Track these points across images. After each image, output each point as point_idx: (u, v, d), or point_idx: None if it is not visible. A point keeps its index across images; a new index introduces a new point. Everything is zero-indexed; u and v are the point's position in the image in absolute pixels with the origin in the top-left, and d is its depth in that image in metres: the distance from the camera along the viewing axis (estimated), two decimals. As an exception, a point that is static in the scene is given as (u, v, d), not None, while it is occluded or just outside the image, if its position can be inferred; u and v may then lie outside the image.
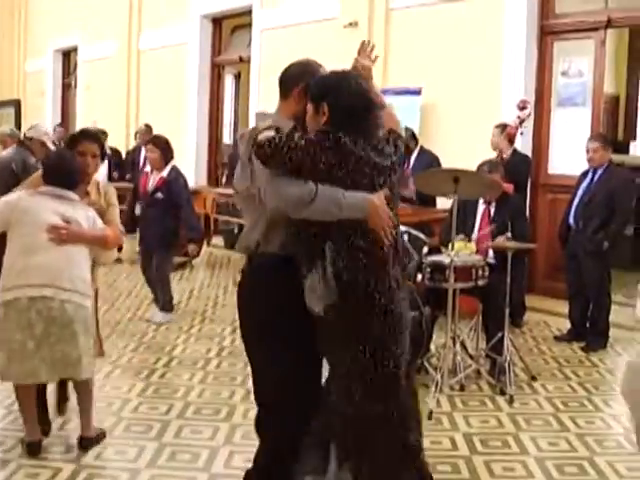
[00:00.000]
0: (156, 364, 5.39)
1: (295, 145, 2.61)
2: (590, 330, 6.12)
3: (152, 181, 6.50)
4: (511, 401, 4.68)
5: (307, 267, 2.71)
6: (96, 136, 4.32)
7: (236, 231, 9.57)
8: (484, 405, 4.67)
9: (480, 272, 4.91)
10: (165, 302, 6.66)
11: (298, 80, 2.88)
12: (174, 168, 6.48)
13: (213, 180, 11.72)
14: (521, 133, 6.76)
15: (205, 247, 9.54)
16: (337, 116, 2.72)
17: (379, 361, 2.72)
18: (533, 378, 5.13)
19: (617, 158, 7.16)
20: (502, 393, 4.80)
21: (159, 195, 6.41)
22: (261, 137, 2.66)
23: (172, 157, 6.51)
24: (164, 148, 6.43)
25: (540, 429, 4.27)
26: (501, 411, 4.54)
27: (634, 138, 10.63)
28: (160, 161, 6.40)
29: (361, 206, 2.68)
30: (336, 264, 2.67)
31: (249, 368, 3.01)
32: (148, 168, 6.76)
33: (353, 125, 2.71)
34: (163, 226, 6.41)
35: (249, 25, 11.19)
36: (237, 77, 12.72)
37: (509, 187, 5.72)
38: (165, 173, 6.41)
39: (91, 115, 13.50)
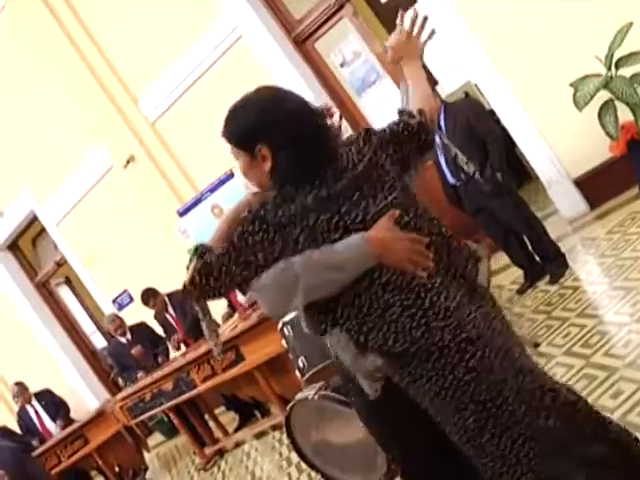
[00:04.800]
0: None
1: (212, 267, 1.99)
2: (544, 260, 5.50)
3: None
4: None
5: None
6: None
7: (165, 419, 8.53)
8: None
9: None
10: None
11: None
12: None
13: (111, 389, 10.61)
14: (345, 139, 6.18)
15: (147, 454, 8.48)
16: (283, 157, 2.03)
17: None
18: (536, 345, 4.41)
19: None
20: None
21: None
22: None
23: None
24: None
25: (600, 387, 3.46)
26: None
27: (436, 83, 10.37)
28: None
29: (363, 253, 1.95)
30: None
31: None
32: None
33: (305, 162, 2.02)
34: None
35: (44, 229, 10.35)
36: (68, 282, 11.75)
37: None
38: None
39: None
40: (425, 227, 2.09)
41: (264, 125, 2.05)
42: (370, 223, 1.99)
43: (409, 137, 2.22)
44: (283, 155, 2.03)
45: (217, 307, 7.42)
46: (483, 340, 2.01)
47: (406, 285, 2.00)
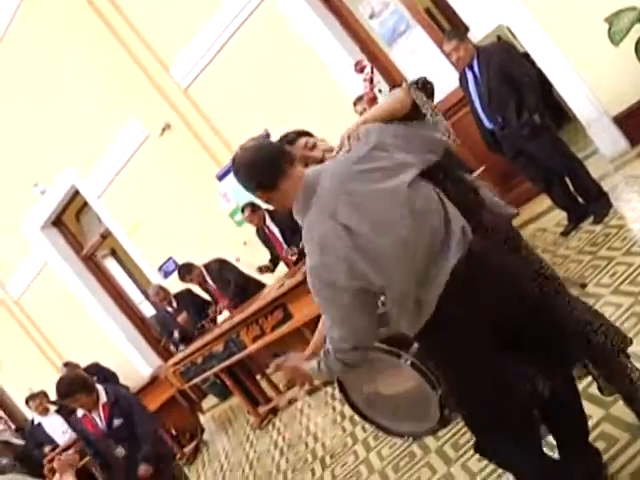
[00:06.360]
0: None
1: None
2: (587, 201, 5.44)
3: (98, 417, 5.02)
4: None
5: None
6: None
7: (218, 381, 8.66)
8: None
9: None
10: None
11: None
12: (107, 386, 5.26)
13: (163, 355, 10.79)
14: (379, 90, 6.09)
15: (202, 417, 8.65)
16: None
17: None
18: (583, 286, 4.37)
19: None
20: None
21: (117, 422, 4.99)
22: None
23: (93, 384, 5.21)
24: (81, 386, 4.95)
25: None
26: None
27: (467, 29, 10.13)
28: (89, 398, 4.96)
29: None
30: None
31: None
32: (80, 412, 5.11)
33: None
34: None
35: (86, 203, 10.48)
36: (114, 253, 11.93)
37: None
38: (104, 397, 5.13)
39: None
40: None
41: None
42: None
43: None
44: None
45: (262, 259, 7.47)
46: None
47: None
